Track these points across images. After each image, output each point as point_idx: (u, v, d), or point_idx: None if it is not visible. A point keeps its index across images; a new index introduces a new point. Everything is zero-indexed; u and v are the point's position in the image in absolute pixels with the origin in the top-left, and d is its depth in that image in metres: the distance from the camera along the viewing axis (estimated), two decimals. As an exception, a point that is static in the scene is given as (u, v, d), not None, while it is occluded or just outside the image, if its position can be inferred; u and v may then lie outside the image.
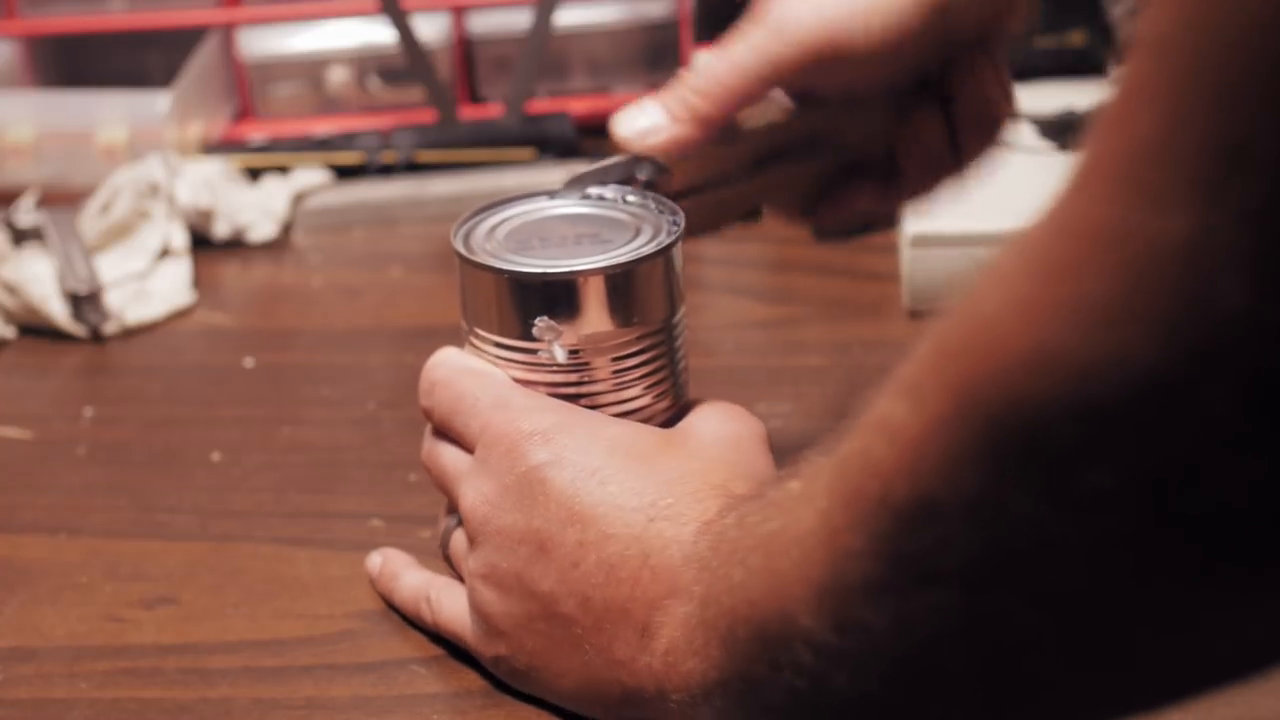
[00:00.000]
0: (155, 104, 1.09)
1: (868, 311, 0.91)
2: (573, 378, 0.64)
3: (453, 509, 0.66)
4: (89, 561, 0.74)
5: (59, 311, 0.93)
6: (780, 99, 0.70)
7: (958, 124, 0.69)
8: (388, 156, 1.08)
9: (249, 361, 0.90)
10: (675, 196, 0.67)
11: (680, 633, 0.56)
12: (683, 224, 0.65)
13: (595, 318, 0.63)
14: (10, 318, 0.94)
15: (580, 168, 0.68)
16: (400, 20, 1.08)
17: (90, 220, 0.99)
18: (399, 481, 0.78)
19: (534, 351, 0.63)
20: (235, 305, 0.97)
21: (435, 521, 0.75)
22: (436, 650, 0.67)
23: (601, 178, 0.68)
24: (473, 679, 0.65)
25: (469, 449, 0.64)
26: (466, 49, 1.17)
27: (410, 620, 0.68)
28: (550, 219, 0.67)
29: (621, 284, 0.63)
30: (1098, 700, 0.43)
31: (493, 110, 1.14)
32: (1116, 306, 0.36)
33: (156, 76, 1.18)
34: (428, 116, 1.12)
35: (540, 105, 1.14)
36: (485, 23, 1.17)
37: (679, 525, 0.58)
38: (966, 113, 0.69)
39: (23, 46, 1.19)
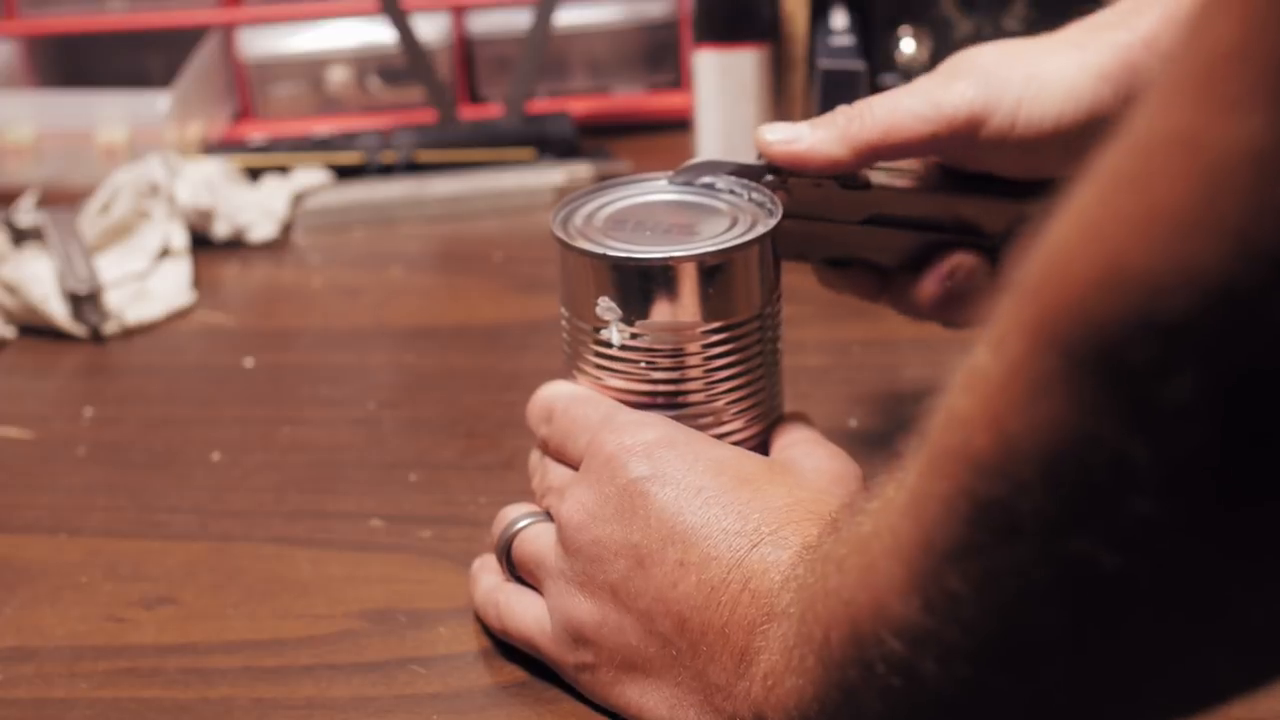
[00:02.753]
0: (155, 104, 1.09)
1: (868, 311, 0.90)
2: (665, 364, 0.64)
3: (530, 513, 0.66)
4: (89, 561, 0.74)
5: (59, 311, 0.93)
6: (920, 169, 0.69)
7: None
8: (388, 156, 1.08)
9: (249, 361, 0.90)
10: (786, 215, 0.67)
11: (779, 655, 0.54)
12: (780, 215, 0.65)
13: (687, 304, 0.63)
14: (10, 318, 0.94)
15: (697, 160, 0.69)
16: (400, 20, 1.08)
17: (90, 220, 0.99)
18: (399, 481, 0.78)
19: (630, 335, 0.64)
20: (235, 305, 0.97)
21: (435, 521, 0.75)
22: (436, 650, 0.67)
23: (715, 170, 0.68)
24: (473, 679, 0.65)
25: (576, 467, 0.64)
26: (466, 49, 1.17)
27: (480, 620, 0.67)
28: (647, 205, 0.67)
29: (713, 272, 0.63)
30: (1199, 659, 0.41)
31: (493, 110, 1.14)
32: (1188, 215, 0.35)
33: (156, 76, 1.18)
34: (428, 116, 1.12)
35: (540, 105, 1.14)
36: (485, 23, 1.17)
37: (780, 549, 0.57)
38: None
39: (23, 46, 1.19)
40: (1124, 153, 0.37)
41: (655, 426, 0.62)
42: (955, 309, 0.69)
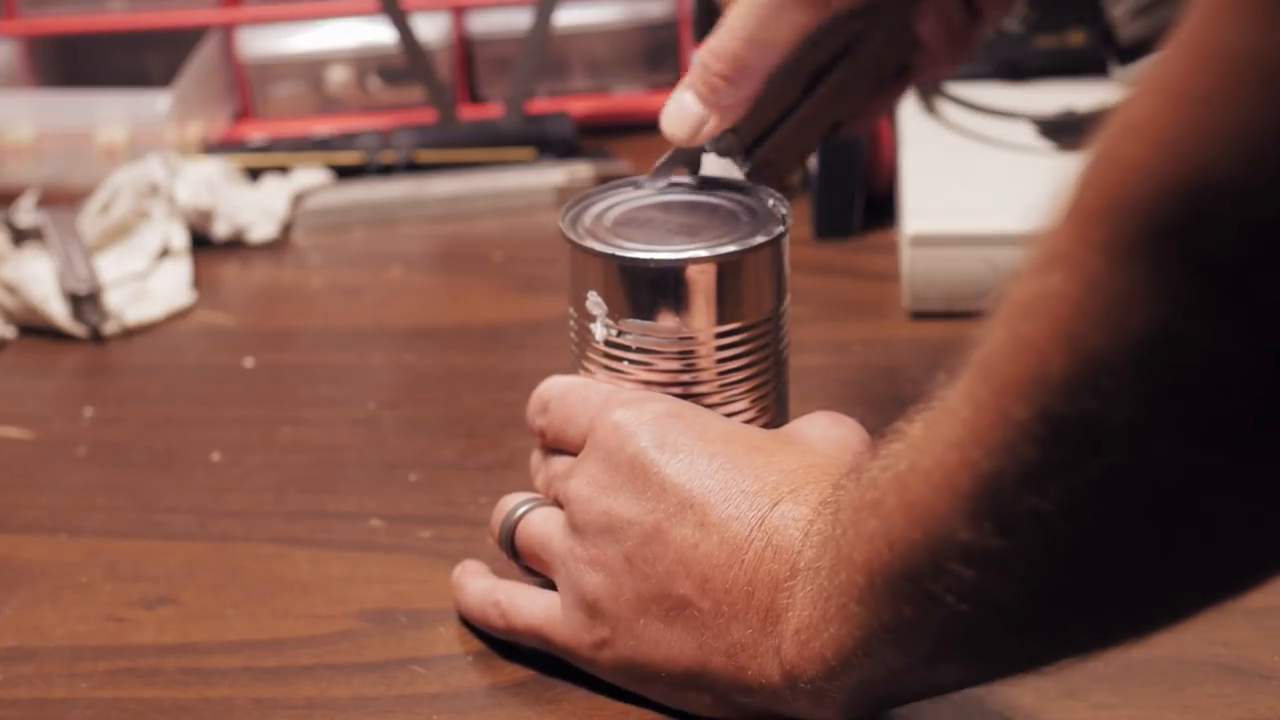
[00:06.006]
0: (155, 104, 1.09)
1: (868, 311, 0.91)
2: (678, 365, 0.64)
3: (530, 498, 0.66)
4: (89, 561, 0.74)
5: (59, 311, 0.93)
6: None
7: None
8: (388, 156, 1.08)
9: (249, 361, 0.90)
10: (753, 146, 0.68)
11: (810, 609, 0.55)
12: (789, 216, 0.65)
13: (698, 306, 0.63)
14: (10, 318, 0.94)
15: (660, 158, 0.69)
16: (400, 20, 1.08)
17: (90, 220, 0.99)
18: (399, 481, 0.78)
19: (650, 335, 0.64)
20: (235, 305, 0.97)
21: (435, 521, 0.75)
22: (436, 650, 0.67)
23: (682, 160, 0.68)
24: (473, 679, 0.65)
25: (578, 454, 0.64)
26: (466, 49, 1.17)
27: (479, 627, 0.67)
28: (657, 205, 0.67)
29: (725, 274, 0.63)
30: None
31: (493, 110, 1.14)
32: (1266, 128, 0.37)
33: (156, 76, 1.18)
34: (428, 116, 1.12)
35: (540, 105, 1.14)
36: (485, 23, 1.17)
37: (800, 505, 0.58)
38: None
39: (23, 46, 1.19)
40: (1187, 71, 0.38)
41: (660, 401, 0.63)
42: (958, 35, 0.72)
